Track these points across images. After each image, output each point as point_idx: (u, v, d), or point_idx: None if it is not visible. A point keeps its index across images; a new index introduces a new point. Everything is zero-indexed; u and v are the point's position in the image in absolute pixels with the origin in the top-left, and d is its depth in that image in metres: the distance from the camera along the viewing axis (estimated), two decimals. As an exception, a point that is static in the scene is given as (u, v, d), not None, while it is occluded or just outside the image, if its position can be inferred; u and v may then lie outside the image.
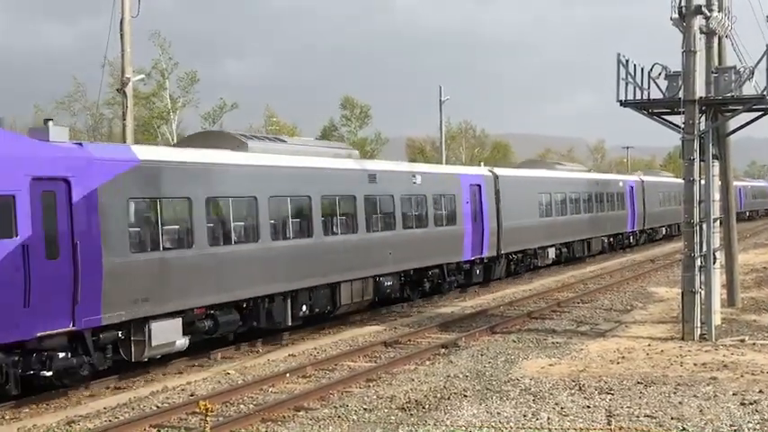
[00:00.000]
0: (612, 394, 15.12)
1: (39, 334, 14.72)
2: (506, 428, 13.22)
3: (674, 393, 15.10)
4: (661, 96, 20.87)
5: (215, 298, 18.74)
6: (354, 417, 14.17)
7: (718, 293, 21.94)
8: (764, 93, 20.23)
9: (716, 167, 22.08)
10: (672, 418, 13.53)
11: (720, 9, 22.10)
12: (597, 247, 44.48)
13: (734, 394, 14.98)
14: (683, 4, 20.07)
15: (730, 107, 21.66)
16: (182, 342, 17.89)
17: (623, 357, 18.47)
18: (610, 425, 13.32)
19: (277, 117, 70.53)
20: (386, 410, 14.47)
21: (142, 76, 40.10)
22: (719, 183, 23.37)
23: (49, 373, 15.16)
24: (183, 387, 16.86)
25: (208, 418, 12.92)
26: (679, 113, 20.60)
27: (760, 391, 15.14)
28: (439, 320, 24.64)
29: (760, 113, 21.97)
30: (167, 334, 17.34)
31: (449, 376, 16.94)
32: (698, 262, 20.29)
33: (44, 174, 14.90)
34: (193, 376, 17.89)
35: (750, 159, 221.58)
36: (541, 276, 36.53)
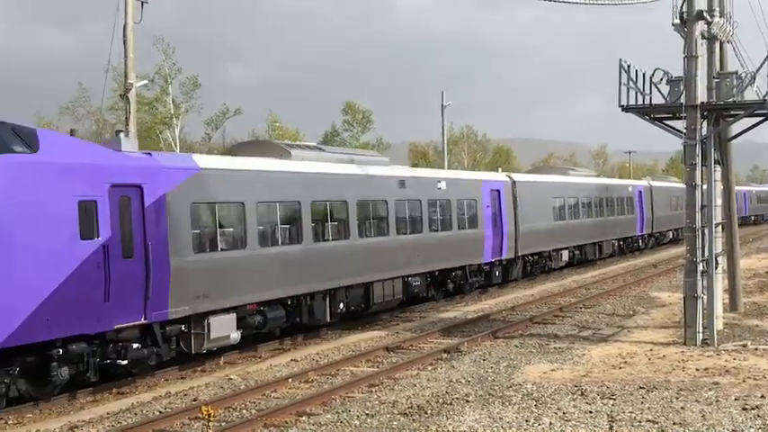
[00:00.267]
0: (614, 399, 15.13)
1: (116, 326, 16.19)
2: (508, 434, 13.24)
3: (676, 398, 15.11)
4: (663, 101, 20.90)
5: (264, 295, 20.17)
6: (356, 422, 14.19)
7: (720, 298, 21.93)
8: (766, 98, 20.25)
9: (718, 172, 22.11)
10: (674, 424, 13.54)
11: (722, 14, 22.14)
12: (608, 250, 45.51)
13: (736, 399, 14.99)
14: (684, 9, 20.10)
15: (732, 112, 21.68)
16: (235, 336, 19.22)
17: (625, 362, 18.48)
18: (612, 430, 13.34)
19: (280, 122, 70.54)
20: (388, 416, 14.48)
21: (145, 81, 40.13)
22: (722, 187, 23.39)
23: (125, 362, 16.54)
24: (185, 392, 16.88)
25: (210, 424, 12.97)
26: (681, 118, 20.60)
27: (762, 396, 15.14)
28: (441, 325, 24.65)
29: (761, 118, 21.99)
30: (224, 328, 18.80)
31: (451, 381, 16.96)
32: (700, 267, 20.29)
33: (121, 181, 16.39)
34: (196, 381, 17.92)
35: (752, 164, 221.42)
36: (545, 281, 36.56)
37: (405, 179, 26.78)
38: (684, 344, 20.25)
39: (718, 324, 21.15)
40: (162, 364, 17.99)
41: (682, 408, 14.46)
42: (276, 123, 69.61)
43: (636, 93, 20.83)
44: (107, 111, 53.23)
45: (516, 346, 20.80)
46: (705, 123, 20.78)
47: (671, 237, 57.70)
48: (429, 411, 14.63)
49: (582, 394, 15.52)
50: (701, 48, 20.78)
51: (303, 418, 14.57)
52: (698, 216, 20.36)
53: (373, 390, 16.60)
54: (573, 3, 21.59)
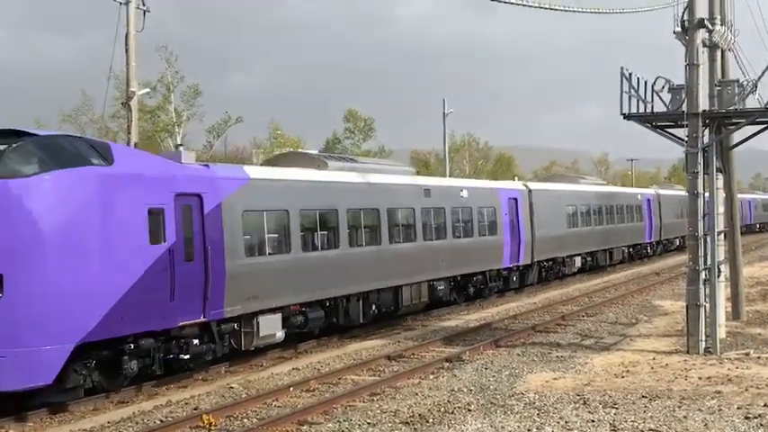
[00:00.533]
0: (617, 408, 15.08)
1: (180, 323, 17.50)
2: (510, 443, 13.19)
3: (679, 407, 15.06)
4: (664, 109, 20.89)
5: (306, 296, 21.58)
6: (358, 431, 14.15)
7: (722, 307, 21.89)
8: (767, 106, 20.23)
9: (720, 180, 22.08)
10: (676, 433, 13.50)
11: (723, 23, 22.14)
12: (618, 257, 46.49)
13: (738, 408, 14.93)
14: (685, 17, 20.09)
15: (734, 120, 21.66)
16: (280, 334, 20.55)
17: (628, 371, 18.43)
18: (614, 439, 13.29)
19: (282, 130, 70.61)
20: (389, 425, 14.44)
21: (147, 90, 40.18)
22: (724, 195, 23.36)
23: (187, 357, 17.81)
24: (186, 401, 16.85)
25: (211, 433, 12.93)
26: (683, 126, 20.58)
27: (765, 405, 15.09)
28: (443, 334, 24.62)
29: (763, 126, 21.98)
30: (271, 327, 20.15)
31: (453, 390, 16.91)
32: (702, 275, 20.25)
33: (184, 190, 17.73)
34: (197, 390, 17.88)
35: (755, 171, 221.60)
36: (548, 289, 36.54)
37: (430, 188, 28.13)
38: (687, 352, 20.20)
39: (721, 332, 21.11)
40: (215, 359, 19.21)
41: (684, 417, 14.41)
42: (278, 131, 69.72)
43: (638, 101, 20.84)
44: (109, 118, 53.33)
45: (518, 355, 20.75)
46: (707, 131, 20.75)
47: (678, 244, 58.59)
48: (431, 420, 14.58)
49: (584, 403, 15.47)
50: (703, 56, 20.77)
51: (304, 427, 14.53)
52: (700, 224, 20.35)
53: (375, 398, 16.56)
54: (577, 11, 21.54)
